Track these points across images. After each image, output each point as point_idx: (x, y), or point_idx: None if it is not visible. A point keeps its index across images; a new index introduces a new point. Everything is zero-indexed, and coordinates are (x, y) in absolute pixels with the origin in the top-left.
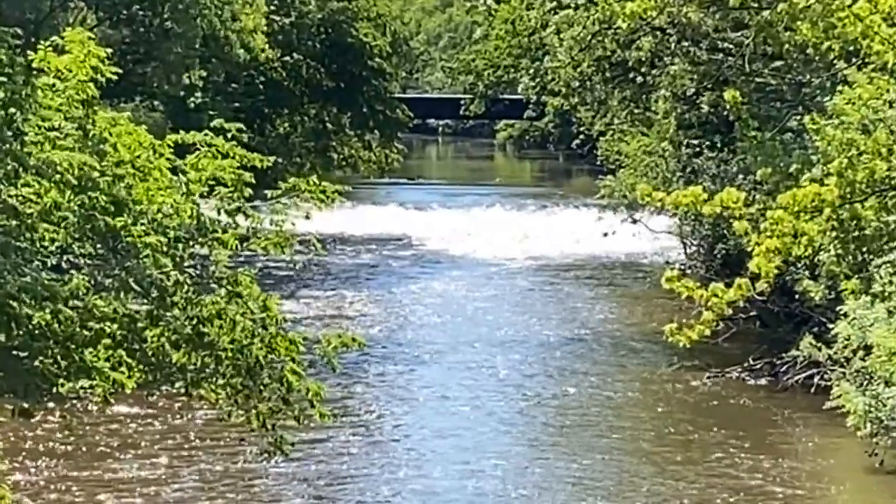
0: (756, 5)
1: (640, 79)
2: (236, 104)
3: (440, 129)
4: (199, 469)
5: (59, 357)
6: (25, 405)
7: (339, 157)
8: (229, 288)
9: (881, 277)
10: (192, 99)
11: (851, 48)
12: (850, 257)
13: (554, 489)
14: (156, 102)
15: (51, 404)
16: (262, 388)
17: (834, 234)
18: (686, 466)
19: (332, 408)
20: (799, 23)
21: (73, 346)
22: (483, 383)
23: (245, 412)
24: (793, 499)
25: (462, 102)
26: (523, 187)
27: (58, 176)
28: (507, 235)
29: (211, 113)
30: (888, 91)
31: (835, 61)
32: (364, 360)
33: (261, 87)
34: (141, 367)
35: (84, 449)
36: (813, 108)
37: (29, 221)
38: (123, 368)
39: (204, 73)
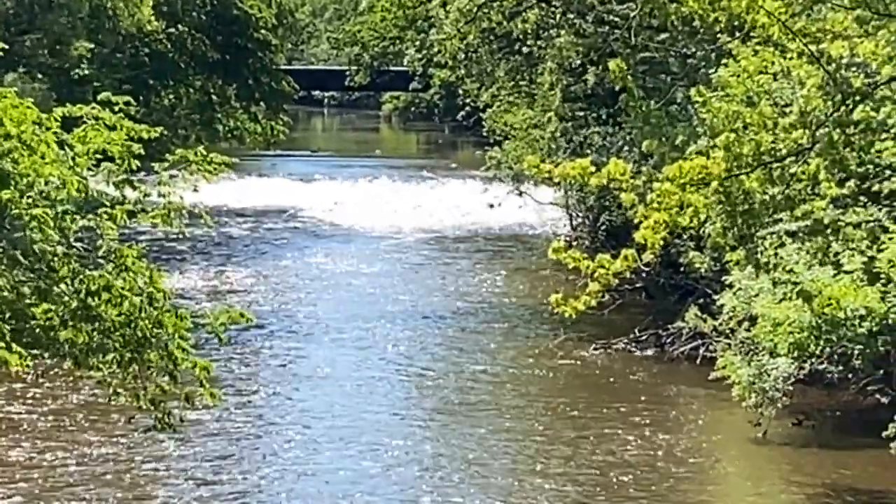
0: None
1: (526, 50)
2: (121, 76)
3: (326, 100)
4: (84, 450)
5: None
6: None
7: (224, 129)
8: (116, 262)
9: (766, 249)
10: (76, 70)
11: (737, 21)
12: (736, 229)
13: (441, 466)
14: (39, 75)
15: None
16: (149, 364)
17: (720, 206)
18: (573, 439)
19: (219, 386)
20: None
21: None
22: (371, 359)
23: (133, 390)
24: (679, 470)
25: (347, 74)
26: (409, 159)
27: None
28: (394, 208)
29: (96, 85)
30: (773, 64)
31: (720, 34)
32: (251, 335)
33: (146, 58)
34: (27, 343)
35: None
36: (698, 81)
37: None
38: (5, 344)
39: (90, 45)
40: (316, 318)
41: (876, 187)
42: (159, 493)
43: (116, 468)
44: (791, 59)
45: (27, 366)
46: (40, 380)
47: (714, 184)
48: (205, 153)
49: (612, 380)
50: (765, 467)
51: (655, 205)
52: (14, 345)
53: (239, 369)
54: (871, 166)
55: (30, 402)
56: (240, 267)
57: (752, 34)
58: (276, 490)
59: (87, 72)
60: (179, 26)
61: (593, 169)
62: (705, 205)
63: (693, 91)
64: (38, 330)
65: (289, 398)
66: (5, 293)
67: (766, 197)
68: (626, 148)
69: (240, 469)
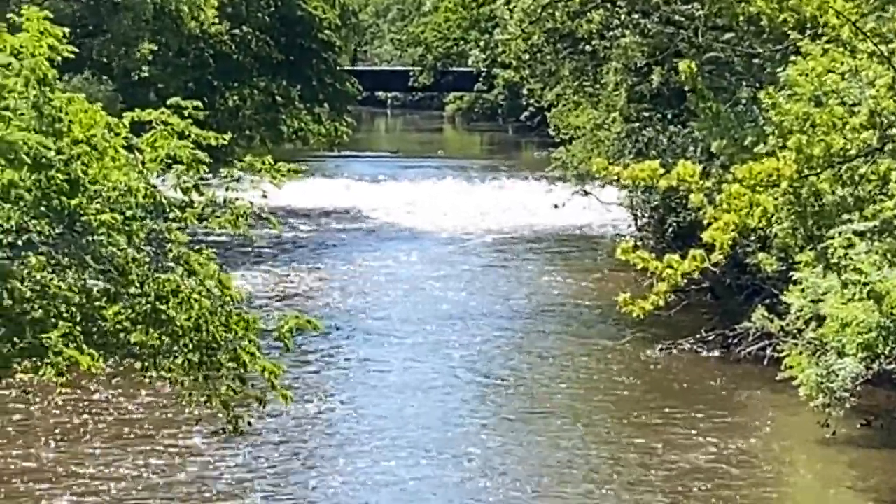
0: None
1: (590, 50)
2: (185, 77)
3: (389, 101)
4: (151, 455)
5: (12, 335)
6: None
7: (288, 130)
8: (186, 266)
9: (835, 249)
10: (141, 72)
11: (806, 21)
12: (804, 229)
13: (513, 474)
14: (105, 77)
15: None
16: (218, 367)
17: (790, 207)
18: (643, 445)
19: (288, 387)
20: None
21: (27, 325)
22: (439, 364)
23: (204, 393)
24: (748, 473)
25: (411, 74)
26: (473, 160)
27: (12, 155)
28: (458, 209)
29: (160, 86)
30: (842, 63)
31: (788, 33)
32: (317, 339)
33: (210, 59)
34: (98, 346)
35: (44, 428)
36: (764, 81)
37: None
38: (77, 347)
39: (154, 47)
40: (383, 322)
41: None
42: (226, 498)
43: (185, 474)
44: (860, 59)
45: (98, 367)
46: (113, 380)
47: (784, 184)
48: (272, 161)
49: (679, 382)
50: (833, 469)
51: (725, 206)
52: (85, 346)
53: (305, 374)
54: None
55: (100, 404)
56: (305, 269)
57: (821, 33)
58: (349, 499)
59: (151, 73)
60: (243, 27)
61: (662, 171)
62: (775, 205)
63: (763, 93)
64: (108, 332)
65: (357, 404)
66: (75, 296)
67: (836, 197)
68: (691, 148)
69: (309, 477)
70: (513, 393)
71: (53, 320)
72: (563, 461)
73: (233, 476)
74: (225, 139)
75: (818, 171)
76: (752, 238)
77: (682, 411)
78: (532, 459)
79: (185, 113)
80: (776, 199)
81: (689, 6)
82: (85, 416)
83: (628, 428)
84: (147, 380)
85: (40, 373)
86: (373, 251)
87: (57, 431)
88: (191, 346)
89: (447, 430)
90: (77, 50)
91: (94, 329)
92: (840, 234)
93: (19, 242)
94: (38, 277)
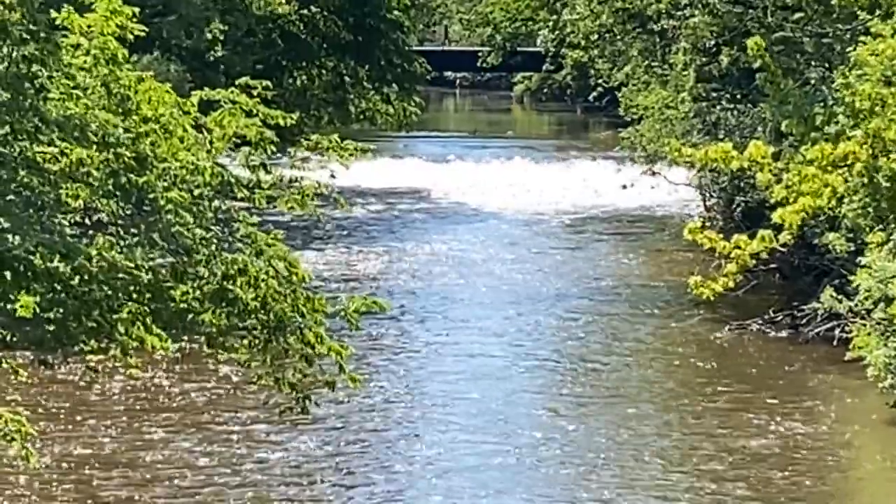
0: None
1: (658, 30)
2: (254, 57)
3: (457, 81)
4: (217, 436)
5: (80, 314)
6: (47, 359)
7: (356, 111)
8: (254, 246)
9: None
10: (210, 53)
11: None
12: (875, 210)
13: (584, 456)
14: (174, 57)
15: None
16: (286, 348)
17: (864, 188)
18: (710, 423)
19: (354, 366)
20: None
21: (94, 304)
22: (507, 344)
23: (273, 374)
24: (816, 454)
25: (479, 55)
26: (542, 140)
27: (80, 132)
28: (527, 189)
29: (229, 67)
30: None
31: (857, 13)
32: (386, 320)
33: (279, 40)
34: (166, 326)
35: (106, 410)
36: (833, 60)
37: (52, 178)
38: (145, 327)
39: (223, 27)
40: (451, 304)
41: None
42: (293, 483)
43: (250, 458)
44: None
45: (166, 348)
46: (181, 360)
47: (858, 165)
48: (339, 140)
49: (747, 363)
50: None
51: (796, 187)
52: (153, 327)
53: (372, 356)
54: None
55: (164, 387)
56: (374, 250)
57: (891, 13)
58: (416, 483)
59: (220, 54)
60: (312, 7)
61: (734, 152)
62: (846, 187)
63: (836, 73)
64: (175, 312)
65: (424, 388)
66: (143, 275)
67: None
68: (759, 128)
69: (374, 461)
70: (582, 376)
71: (121, 300)
72: (633, 445)
73: (298, 459)
74: (293, 119)
75: (892, 152)
76: (821, 218)
77: (751, 393)
78: (601, 443)
79: (254, 93)
80: (847, 180)
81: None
82: (149, 398)
83: (699, 410)
84: (213, 362)
85: (108, 353)
86: (441, 232)
87: (120, 414)
88: (258, 326)
89: (515, 413)
90: (146, 30)
91: (162, 309)
92: None
93: (87, 221)
94: (106, 256)
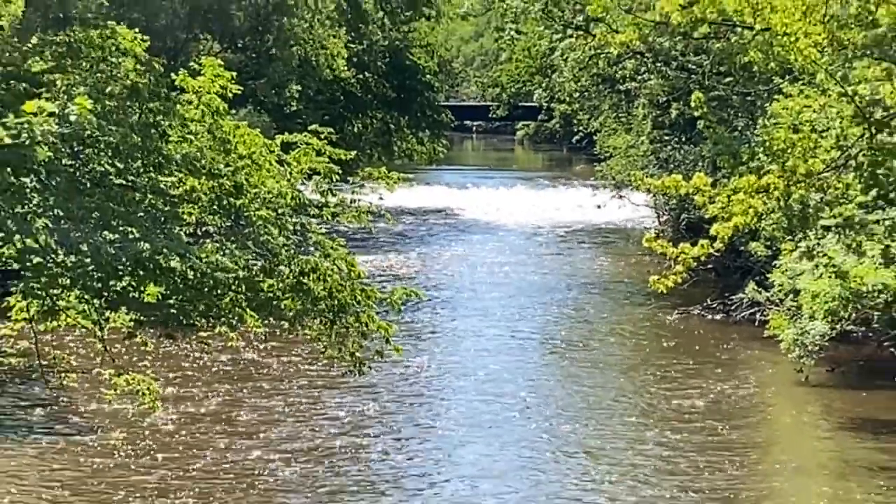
0: (713, 37)
1: (624, 90)
2: (322, 111)
3: (474, 128)
4: (297, 391)
5: (195, 300)
6: (172, 333)
7: (398, 150)
8: (322, 250)
9: (810, 240)
10: (289, 107)
11: (787, 68)
12: (787, 226)
13: (562, 406)
14: (263, 110)
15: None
16: (346, 326)
17: (778, 210)
18: (662, 385)
19: (397, 341)
20: (748, 50)
21: (204, 292)
22: (511, 326)
23: (336, 346)
24: (741, 408)
25: (490, 108)
26: (536, 172)
27: (192, 167)
28: (525, 209)
29: (303, 118)
30: (815, 101)
31: (773, 77)
32: (420, 306)
33: (341, 97)
34: (257, 309)
35: (216, 373)
36: (755, 113)
37: (172, 200)
38: (242, 310)
39: (299, 87)
40: (468, 294)
41: (892, 195)
42: (351, 432)
43: (319, 411)
44: (830, 97)
45: (258, 326)
46: (265, 339)
47: (775, 193)
48: (386, 171)
49: (691, 339)
50: (806, 404)
51: (727, 207)
52: (247, 310)
53: (409, 334)
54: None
55: (259, 355)
56: (410, 252)
57: (798, 78)
58: (442, 433)
59: (296, 108)
60: (365, 73)
61: (682, 182)
62: (765, 208)
63: (760, 124)
64: (264, 299)
65: (448, 360)
66: (240, 271)
67: (812, 202)
68: (699, 163)
69: (411, 416)
70: (566, 350)
71: (224, 290)
72: (604, 400)
73: (354, 412)
74: (351, 156)
75: (800, 182)
76: (746, 231)
77: (694, 362)
78: (580, 399)
79: (322, 136)
80: (766, 203)
81: (699, 57)
82: (243, 367)
83: (654, 376)
84: (291, 338)
85: (215, 330)
86: (461, 241)
87: (223, 379)
88: (325, 310)
89: (515, 379)
90: (242, 89)
91: (254, 297)
92: (814, 229)
93: (199, 232)
94: (212, 258)
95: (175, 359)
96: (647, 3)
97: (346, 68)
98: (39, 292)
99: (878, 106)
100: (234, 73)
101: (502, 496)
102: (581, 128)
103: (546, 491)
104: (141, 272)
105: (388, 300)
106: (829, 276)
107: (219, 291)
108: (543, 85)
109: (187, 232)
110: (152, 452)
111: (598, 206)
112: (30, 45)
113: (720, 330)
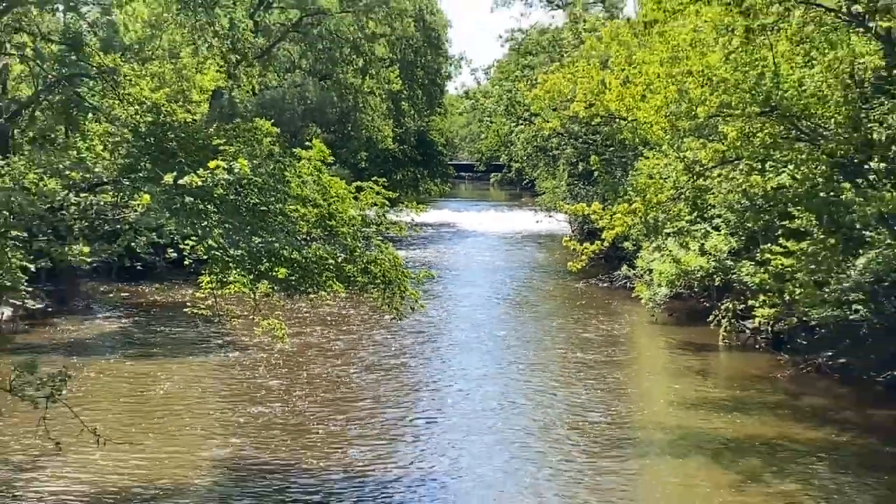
0: (603, 124)
1: (553, 154)
2: (379, 167)
3: (465, 177)
4: (358, 331)
5: (305, 275)
6: (291, 295)
7: (422, 190)
8: (378, 248)
9: (659, 241)
10: (360, 165)
11: (646, 141)
12: (646, 233)
13: (511, 341)
14: (345, 167)
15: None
16: (393, 291)
17: (642, 224)
18: (571, 326)
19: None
20: (623, 131)
21: (312, 273)
22: (488, 288)
23: (386, 303)
24: (618, 335)
25: (475, 166)
26: (501, 202)
27: (303, 201)
28: (494, 222)
29: (368, 172)
30: (662, 160)
31: (637, 146)
32: (435, 281)
33: (389, 159)
34: (343, 282)
35: (316, 318)
36: (627, 167)
37: (293, 220)
38: (334, 283)
39: (366, 154)
40: (462, 272)
41: (705, 215)
42: (392, 356)
43: (373, 342)
44: (669, 157)
45: (342, 291)
46: (346, 299)
47: (640, 215)
48: (415, 203)
49: (590, 297)
50: (656, 335)
51: (611, 223)
52: (336, 283)
53: (428, 295)
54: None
55: (341, 310)
56: (427, 249)
57: (653, 147)
58: (441, 358)
59: (364, 166)
60: (404, 146)
61: (586, 207)
62: (634, 223)
63: (630, 173)
64: (347, 276)
65: (449, 312)
66: (332, 261)
67: (660, 219)
68: (595, 197)
69: (426, 348)
70: (520, 304)
71: (322, 271)
72: (538, 334)
73: (393, 344)
74: (395, 195)
75: (653, 208)
76: (621, 236)
77: (591, 310)
78: (525, 331)
79: (379, 183)
80: (633, 220)
81: (595, 136)
82: (333, 315)
83: (568, 319)
84: (361, 299)
85: (318, 293)
86: (457, 241)
87: (321, 323)
88: (380, 283)
89: (491, 317)
90: (334, 157)
91: (340, 275)
92: (661, 235)
93: (308, 237)
94: (317, 253)
95: (294, 311)
96: (565, 104)
97: (392, 143)
98: (217, 272)
99: (697, 163)
100: (328, 147)
101: (468, 369)
102: (527, 176)
103: (484, 372)
104: (274, 260)
105: (416, 278)
106: (669, 262)
107: (319, 272)
108: (506, 153)
109: (301, 238)
110: (279, 367)
111: (537, 221)
112: (212, 130)
113: (607, 293)
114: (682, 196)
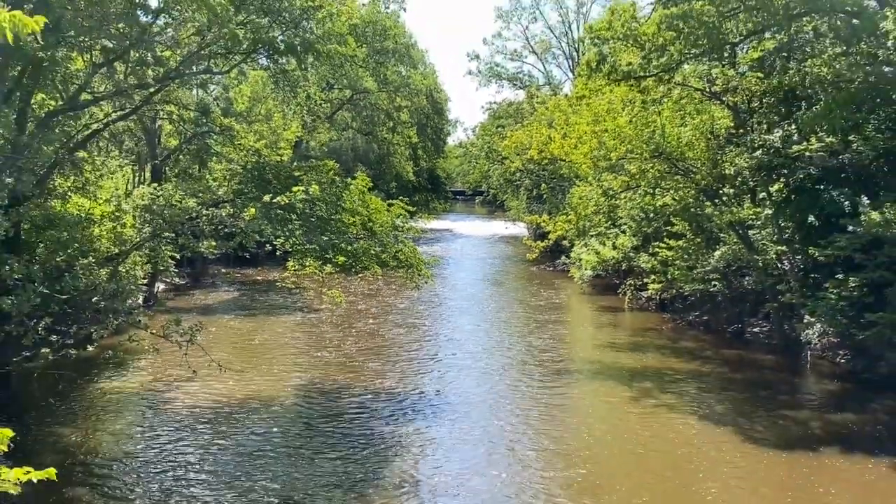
0: (550, 163)
1: (518, 184)
2: (403, 192)
3: (460, 199)
4: (387, 299)
5: (355, 261)
6: (346, 273)
7: (431, 207)
8: (403, 244)
9: (586, 240)
10: (391, 190)
11: (578, 173)
12: (578, 234)
13: (486, 309)
14: (381, 190)
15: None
16: (414, 270)
17: (576, 228)
18: (524, 295)
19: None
20: (563, 168)
21: (359, 258)
22: (473, 270)
23: (408, 278)
24: (558, 302)
25: (465, 191)
26: (483, 216)
27: (352, 212)
28: (477, 229)
29: (396, 194)
30: (588, 187)
31: (572, 177)
32: (440, 267)
33: (410, 186)
34: (380, 264)
35: (358, 290)
36: (566, 191)
37: (345, 224)
38: (373, 265)
39: (395, 184)
40: (457, 261)
41: (617, 223)
42: (408, 315)
43: (395, 308)
44: (593, 185)
45: (378, 270)
46: (380, 276)
47: (574, 222)
48: (426, 215)
49: (540, 277)
50: (584, 302)
51: (555, 227)
52: (375, 265)
53: (434, 275)
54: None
55: (376, 285)
56: (434, 245)
57: (582, 177)
58: (442, 322)
59: (394, 191)
60: (419, 178)
61: (539, 218)
62: (570, 228)
63: (567, 196)
64: (382, 261)
65: (448, 288)
66: (372, 251)
67: (588, 225)
68: (544, 211)
69: (429, 310)
70: (492, 283)
71: (366, 257)
72: (501, 302)
73: (410, 307)
74: (413, 209)
75: (582, 218)
76: (562, 237)
77: (538, 286)
78: (492, 300)
79: (404, 202)
80: (569, 226)
81: (545, 171)
82: (368, 288)
83: (525, 292)
84: (389, 277)
85: (363, 273)
86: (454, 240)
87: (362, 294)
88: (405, 265)
89: (478, 289)
90: (373, 185)
91: (378, 260)
92: (588, 236)
93: (357, 235)
94: (362, 247)
95: (348, 283)
96: (525, 151)
97: (412, 177)
98: (298, 259)
99: (610, 190)
100: (370, 179)
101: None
102: (500, 199)
103: (473, 328)
104: (335, 251)
105: (428, 262)
106: (593, 253)
107: (365, 258)
108: (486, 183)
109: (350, 236)
110: (337, 324)
111: (506, 228)
112: (294, 166)
113: (552, 274)
114: (601, 211)
